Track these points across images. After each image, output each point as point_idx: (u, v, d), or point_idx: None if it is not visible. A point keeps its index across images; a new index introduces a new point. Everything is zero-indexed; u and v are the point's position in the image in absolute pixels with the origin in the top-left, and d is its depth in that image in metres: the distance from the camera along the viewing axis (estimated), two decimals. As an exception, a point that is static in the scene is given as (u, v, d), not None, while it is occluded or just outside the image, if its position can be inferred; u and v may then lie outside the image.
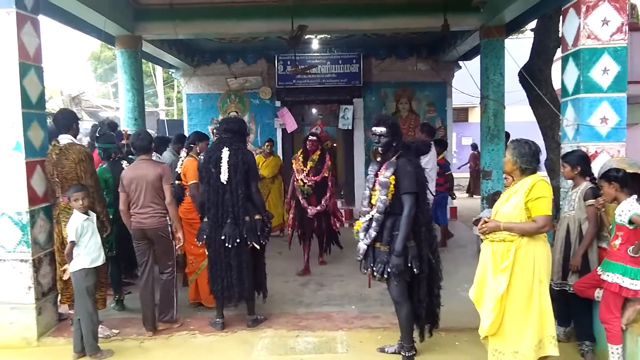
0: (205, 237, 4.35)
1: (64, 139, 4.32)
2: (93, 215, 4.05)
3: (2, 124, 4.11)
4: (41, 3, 4.49)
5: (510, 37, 7.71)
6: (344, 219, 6.35)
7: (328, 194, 6.00)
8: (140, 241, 4.34)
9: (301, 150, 6.19)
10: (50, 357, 4.02)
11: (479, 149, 7.55)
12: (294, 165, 6.13)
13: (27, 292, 4.20)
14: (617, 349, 3.37)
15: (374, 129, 3.69)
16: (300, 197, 5.99)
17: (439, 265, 3.75)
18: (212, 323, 4.44)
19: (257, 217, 4.36)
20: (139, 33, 7.00)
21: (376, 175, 3.70)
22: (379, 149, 3.69)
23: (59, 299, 4.53)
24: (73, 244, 3.85)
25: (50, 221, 4.44)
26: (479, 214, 6.60)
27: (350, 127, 10.12)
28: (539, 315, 3.08)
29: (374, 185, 3.68)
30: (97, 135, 4.93)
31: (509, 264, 3.07)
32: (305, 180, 5.90)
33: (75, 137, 4.42)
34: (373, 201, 3.65)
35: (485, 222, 3.21)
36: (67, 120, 4.40)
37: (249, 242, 4.28)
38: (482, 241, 3.33)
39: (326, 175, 5.97)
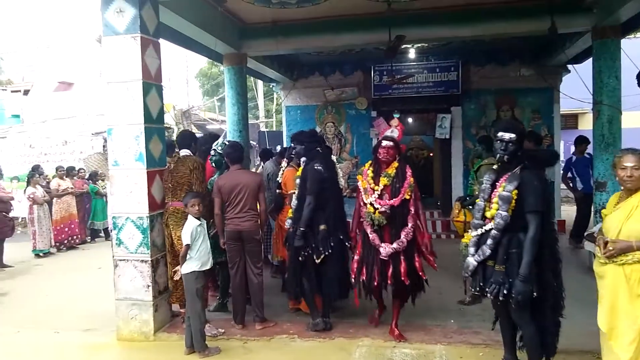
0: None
1: (184, 152, 4.82)
2: (204, 222, 4.35)
3: (128, 137, 4.57)
4: (161, 27, 4.95)
5: (627, 37, 7.11)
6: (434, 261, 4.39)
7: (410, 224, 4.17)
8: (235, 243, 4.68)
9: (370, 162, 4.47)
10: (165, 351, 4.37)
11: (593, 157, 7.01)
12: (359, 184, 4.41)
13: (146, 290, 4.60)
14: None
15: (501, 134, 3.37)
16: (368, 230, 4.23)
17: (561, 293, 3.39)
18: (314, 324, 4.57)
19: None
20: (245, 51, 7.44)
21: (493, 186, 3.41)
22: (505, 157, 3.37)
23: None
24: (188, 247, 4.15)
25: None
26: (592, 228, 6.14)
27: (447, 136, 9.89)
28: None
29: (490, 197, 3.39)
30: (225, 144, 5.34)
31: None
32: (377, 205, 4.19)
33: (193, 153, 4.89)
34: (487, 214, 3.38)
35: (607, 242, 2.95)
36: (187, 140, 4.99)
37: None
38: (604, 263, 3.04)
39: (407, 197, 4.18)
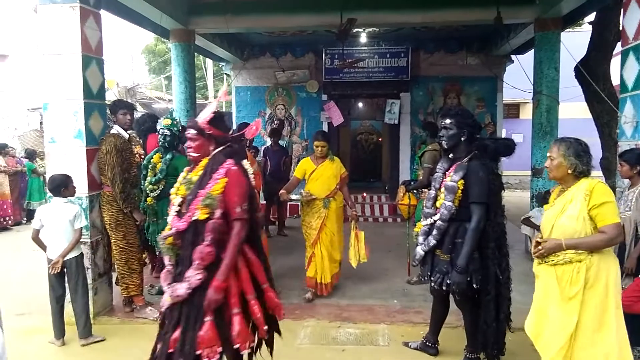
0: None
1: (115, 129, 4.57)
2: None
3: (65, 113, 4.35)
4: (103, -2, 4.70)
5: (566, 30, 7.43)
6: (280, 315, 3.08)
7: (197, 262, 2.51)
8: None
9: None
10: (105, 334, 4.23)
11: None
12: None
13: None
14: None
15: (440, 120, 3.39)
16: (165, 258, 2.77)
17: (508, 287, 3.29)
18: None
19: None
20: (193, 27, 7.20)
21: (444, 174, 3.36)
22: (443, 142, 3.35)
23: (113, 280, 4.76)
24: (82, 230, 4.07)
25: (107, 206, 4.67)
26: (528, 212, 6.43)
27: (396, 122, 10.05)
28: (618, 347, 2.60)
29: (440, 185, 3.34)
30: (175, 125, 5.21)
31: (580, 289, 2.61)
32: (172, 226, 2.70)
33: (125, 128, 4.62)
34: (438, 203, 3.32)
35: (538, 242, 2.75)
36: (110, 108, 4.67)
37: None
38: (539, 263, 2.82)
39: (202, 217, 2.55)
